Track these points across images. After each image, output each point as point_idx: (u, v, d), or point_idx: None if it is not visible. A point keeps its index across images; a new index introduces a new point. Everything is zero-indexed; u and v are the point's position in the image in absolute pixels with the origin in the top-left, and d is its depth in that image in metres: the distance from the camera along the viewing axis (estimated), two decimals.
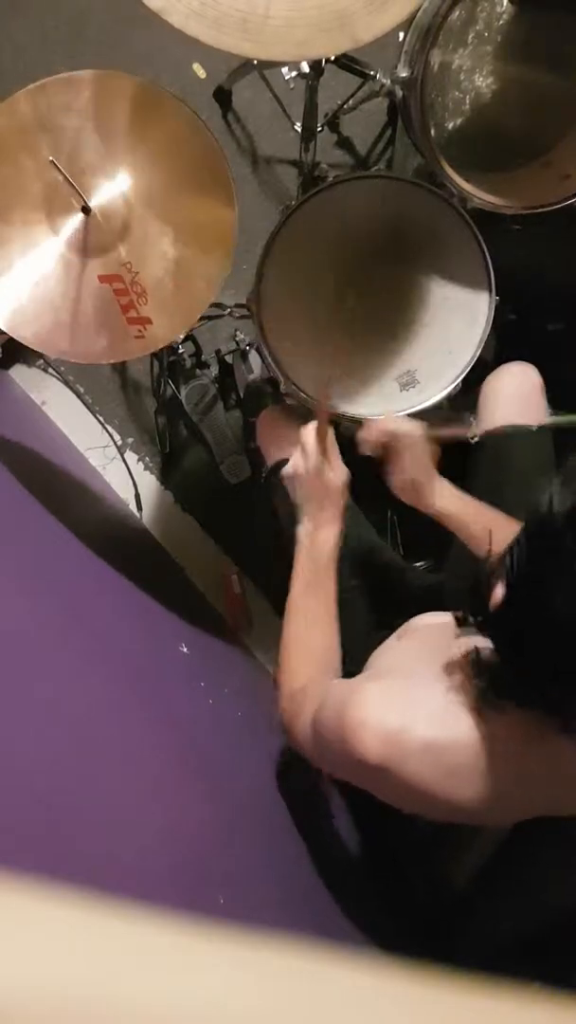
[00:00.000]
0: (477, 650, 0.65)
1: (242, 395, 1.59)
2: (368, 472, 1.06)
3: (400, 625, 0.88)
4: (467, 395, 1.21)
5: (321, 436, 0.97)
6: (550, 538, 0.57)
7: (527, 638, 0.60)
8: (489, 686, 0.65)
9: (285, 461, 1.17)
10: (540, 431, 1.12)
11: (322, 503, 0.96)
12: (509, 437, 1.12)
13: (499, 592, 0.61)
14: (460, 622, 0.69)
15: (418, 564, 1.37)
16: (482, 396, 1.19)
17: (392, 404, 1.17)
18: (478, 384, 1.21)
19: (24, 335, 1.03)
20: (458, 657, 0.68)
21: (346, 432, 1.36)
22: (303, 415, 1.19)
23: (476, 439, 1.16)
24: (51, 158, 0.95)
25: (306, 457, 0.97)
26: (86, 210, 1.01)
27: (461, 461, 1.19)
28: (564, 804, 0.70)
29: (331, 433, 0.98)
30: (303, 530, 0.97)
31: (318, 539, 0.95)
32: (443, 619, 0.85)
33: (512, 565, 0.61)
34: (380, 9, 0.88)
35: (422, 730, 0.67)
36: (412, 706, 0.69)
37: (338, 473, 0.97)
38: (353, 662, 0.88)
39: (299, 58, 0.89)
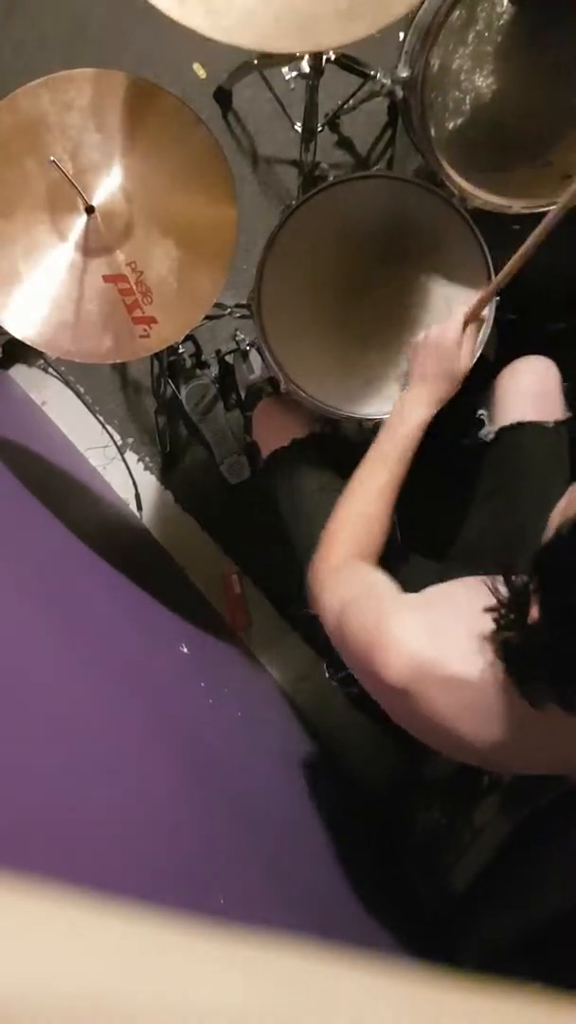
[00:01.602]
0: (506, 639, 0.65)
1: (243, 395, 1.59)
2: None
3: None
4: (483, 391, 1.20)
5: (472, 317, 0.98)
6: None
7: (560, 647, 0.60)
8: (515, 668, 0.65)
9: (283, 449, 1.17)
10: (557, 427, 1.10)
11: (435, 379, 0.98)
12: (524, 433, 1.11)
13: (534, 611, 0.62)
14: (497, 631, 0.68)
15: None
16: (497, 391, 1.17)
17: (392, 405, 1.17)
18: (491, 379, 1.20)
19: (30, 335, 1.03)
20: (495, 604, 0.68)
21: (346, 432, 1.36)
22: (300, 408, 1.19)
23: (491, 436, 1.15)
24: (52, 158, 0.95)
25: (445, 329, 0.98)
26: (89, 210, 1.01)
27: (474, 458, 1.18)
28: (567, 765, 0.71)
29: (481, 328, 1.00)
30: (398, 402, 0.98)
31: (409, 412, 0.97)
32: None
33: (544, 578, 0.62)
34: (348, 18, 0.87)
35: (452, 664, 0.68)
36: (448, 639, 0.70)
37: (465, 361, 0.99)
38: None
39: (257, 47, 0.88)
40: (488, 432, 1.15)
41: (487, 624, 0.68)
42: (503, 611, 0.66)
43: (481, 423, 1.18)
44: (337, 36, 0.88)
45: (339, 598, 0.83)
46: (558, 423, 1.10)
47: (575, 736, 0.67)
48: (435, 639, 0.70)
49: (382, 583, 0.85)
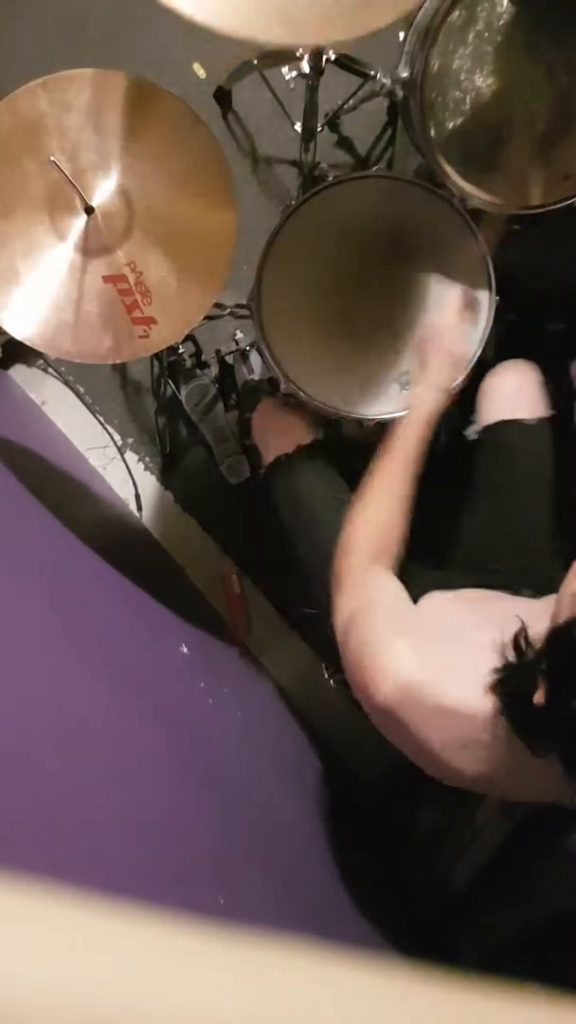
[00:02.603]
0: (514, 694, 0.65)
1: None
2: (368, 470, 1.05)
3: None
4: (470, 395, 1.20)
5: (467, 305, 1.07)
6: None
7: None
8: (518, 723, 0.65)
9: (287, 455, 1.17)
10: (540, 424, 1.12)
11: (442, 367, 1.05)
12: (508, 431, 1.13)
13: (540, 695, 0.61)
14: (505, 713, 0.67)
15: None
16: (480, 394, 1.19)
17: (392, 404, 1.17)
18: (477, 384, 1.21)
19: (29, 336, 1.02)
20: (503, 645, 0.68)
21: (346, 432, 1.36)
22: (300, 409, 1.18)
23: (476, 436, 1.16)
24: (52, 158, 0.95)
25: (444, 317, 1.07)
26: (89, 210, 1.01)
27: (460, 459, 1.18)
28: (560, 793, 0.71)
29: (476, 314, 1.08)
30: (412, 394, 1.05)
31: (422, 402, 1.02)
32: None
33: (551, 666, 0.61)
34: (343, 15, 0.86)
35: (445, 692, 0.68)
36: (444, 668, 0.70)
37: (466, 346, 1.08)
38: None
39: (236, 34, 0.85)
40: (472, 431, 1.17)
41: (487, 653, 0.67)
42: (508, 676, 0.65)
43: (470, 424, 1.19)
44: (325, 32, 0.87)
45: (350, 606, 0.83)
46: (540, 420, 1.12)
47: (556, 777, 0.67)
48: (428, 664, 0.70)
49: (389, 597, 0.84)
